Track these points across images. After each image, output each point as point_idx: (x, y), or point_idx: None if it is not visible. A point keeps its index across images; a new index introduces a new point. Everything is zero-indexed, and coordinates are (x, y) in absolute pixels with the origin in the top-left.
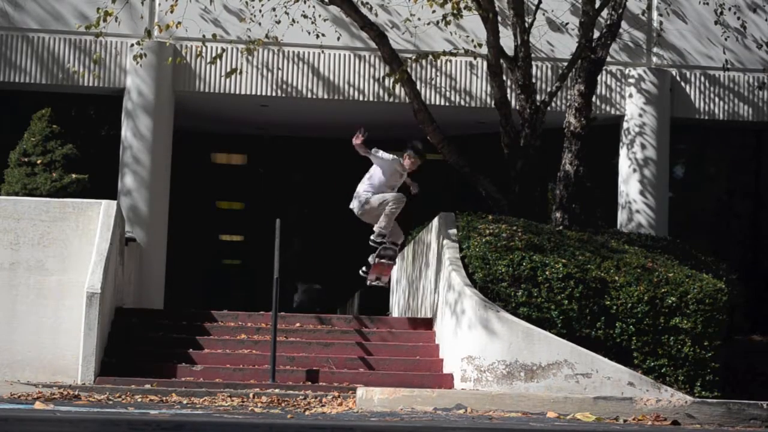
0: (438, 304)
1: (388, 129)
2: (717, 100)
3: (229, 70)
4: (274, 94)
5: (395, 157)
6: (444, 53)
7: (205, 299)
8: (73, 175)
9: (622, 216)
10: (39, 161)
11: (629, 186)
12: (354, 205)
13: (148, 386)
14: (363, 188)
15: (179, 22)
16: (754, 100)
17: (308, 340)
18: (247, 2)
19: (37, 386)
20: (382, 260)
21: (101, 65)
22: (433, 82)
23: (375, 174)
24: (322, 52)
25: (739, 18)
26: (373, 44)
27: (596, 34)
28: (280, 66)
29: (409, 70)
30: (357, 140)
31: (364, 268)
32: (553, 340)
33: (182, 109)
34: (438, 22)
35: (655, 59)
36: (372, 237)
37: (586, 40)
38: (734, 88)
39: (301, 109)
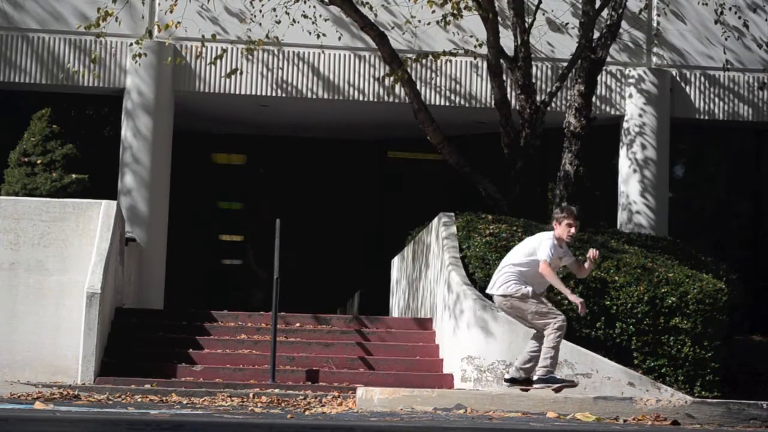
0: (438, 304)
1: (388, 129)
2: (717, 100)
3: (229, 70)
4: (274, 94)
5: (552, 242)
6: (444, 53)
7: (205, 299)
8: (73, 175)
9: (622, 216)
10: (39, 161)
11: (629, 186)
12: (496, 289)
13: (148, 386)
14: (510, 273)
15: (179, 22)
16: (754, 100)
17: (308, 340)
18: (251, 2)
19: (37, 386)
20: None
21: (101, 65)
22: (433, 82)
23: (531, 262)
24: (323, 52)
25: (740, 17)
26: (373, 44)
27: (596, 34)
28: (281, 66)
29: (409, 70)
30: (593, 257)
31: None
32: None
33: (182, 109)
34: (438, 22)
35: (655, 59)
36: (536, 378)
37: (586, 40)
38: (734, 88)
39: (301, 109)
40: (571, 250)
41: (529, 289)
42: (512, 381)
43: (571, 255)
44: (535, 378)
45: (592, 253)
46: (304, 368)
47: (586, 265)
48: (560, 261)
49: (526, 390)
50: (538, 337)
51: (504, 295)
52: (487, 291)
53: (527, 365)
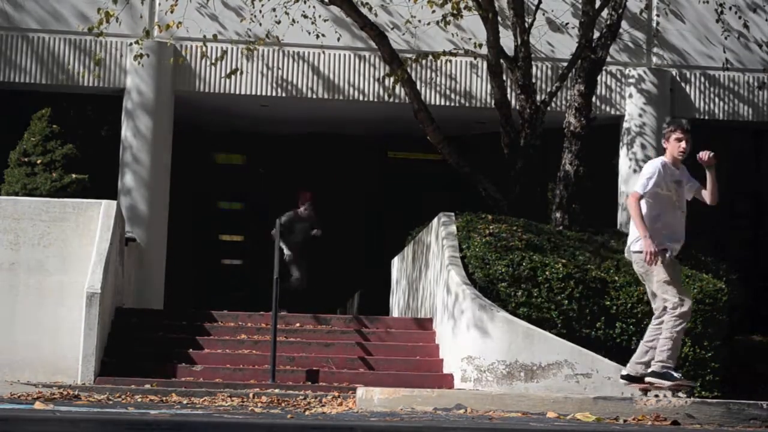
0: (437, 304)
1: (388, 129)
2: (717, 100)
3: (229, 70)
4: (274, 93)
5: (657, 167)
6: (444, 53)
7: (205, 299)
8: (73, 175)
9: (622, 216)
10: (39, 161)
11: (629, 186)
12: (633, 244)
13: (148, 386)
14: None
15: (179, 22)
16: (754, 100)
17: (308, 340)
18: (252, 2)
19: (37, 386)
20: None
21: (101, 65)
22: (433, 82)
23: (654, 194)
24: (323, 51)
25: (740, 17)
26: (373, 44)
27: (596, 34)
28: (281, 66)
29: (409, 70)
30: (706, 157)
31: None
32: (553, 340)
33: (182, 109)
34: (438, 22)
35: (655, 59)
36: (650, 371)
37: (586, 40)
38: (734, 88)
39: (301, 109)
40: (570, 249)
41: (667, 252)
42: (628, 378)
43: (695, 181)
44: (648, 371)
45: (704, 154)
46: (304, 368)
47: (709, 186)
48: (678, 189)
49: (645, 391)
50: (657, 325)
51: (639, 252)
52: (625, 254)
53: (644, 359)
